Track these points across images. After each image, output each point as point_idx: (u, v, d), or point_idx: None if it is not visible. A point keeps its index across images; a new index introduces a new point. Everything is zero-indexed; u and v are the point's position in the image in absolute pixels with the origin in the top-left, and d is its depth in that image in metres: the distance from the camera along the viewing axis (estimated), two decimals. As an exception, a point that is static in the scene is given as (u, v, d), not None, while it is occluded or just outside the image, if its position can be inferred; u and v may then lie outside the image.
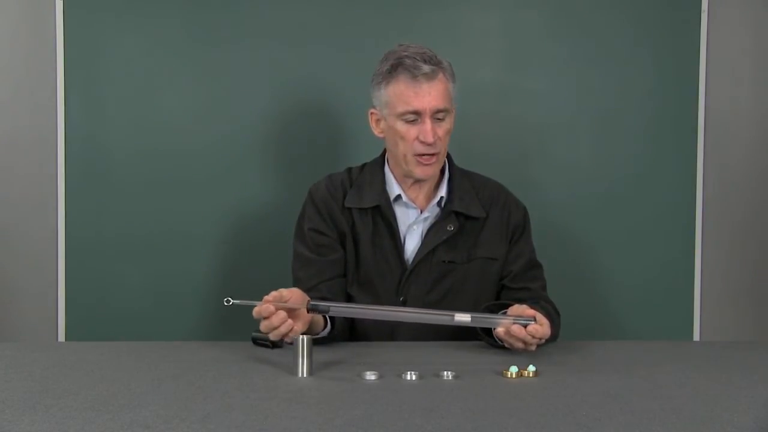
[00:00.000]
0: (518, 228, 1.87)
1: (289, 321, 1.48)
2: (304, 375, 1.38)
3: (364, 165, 1.89)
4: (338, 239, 1.81)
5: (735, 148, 2.50)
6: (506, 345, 1.58)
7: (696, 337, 2.46)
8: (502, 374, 1.39)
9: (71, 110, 2.35)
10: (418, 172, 1.77)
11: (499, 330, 1.56)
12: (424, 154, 1.75)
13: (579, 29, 2.42)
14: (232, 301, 1.46)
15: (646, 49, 2.42)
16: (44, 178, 2.37)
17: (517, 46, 2.41)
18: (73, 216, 2.36)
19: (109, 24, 2.35)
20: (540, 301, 1.77)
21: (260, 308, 1.47)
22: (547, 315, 1.64)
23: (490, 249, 1.83)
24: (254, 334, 1.64)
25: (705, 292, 2.47)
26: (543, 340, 1.56)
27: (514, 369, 1.39)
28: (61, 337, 2.36)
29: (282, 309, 1.47)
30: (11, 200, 2.40)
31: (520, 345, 1.55)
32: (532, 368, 1.40)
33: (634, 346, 1.79)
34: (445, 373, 1.38)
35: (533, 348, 1.56)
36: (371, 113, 1.82)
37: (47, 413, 1.12)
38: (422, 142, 1.73)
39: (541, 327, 1.53)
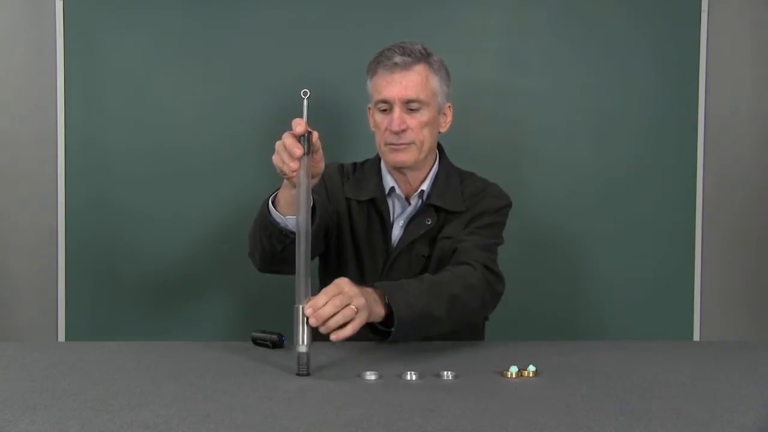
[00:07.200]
0: (486, 213, 1.79)
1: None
2: (304, 345, 1.35)
3: (366, 161, 1.92)
4: (326, 210, 1.79)
5: (735, 148, 2.50)
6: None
7: (696, 337, 2.46)
8: (502, 374, 1.39)
9: (71, 110, 2.35)
10: (391, 158, 1.79)
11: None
12: (393, 143, 1.76)
13: (579, 29, 2.42)
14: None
15: (646, 48, 2.43)
16: (44, 177, 2.37)
17: (517, 46, 2.41)
18: (73, 215, 2.36)
19: (109, 24, 2.35)
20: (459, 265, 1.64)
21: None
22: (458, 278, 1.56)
23: (450, 230, 1.77)
24: (254, 334, 1.64)
25: (705, 292, 2.47)
26: (349, 309, 1.36)
27: (514, 369, 1.38)
28: (61, 337, 2.36)
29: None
30: (11, 199, 2.40)
31: (339, 332, 1.37)
32: (532, 368, 1.39)
33: (634, 346, 1.79)
34: (445, 373, 1.37)
35: (350, 319, 1.36)
36: (368, 108, 1.85)
37: (47, 413, 1.12)
38: (391, 132, 1.74)
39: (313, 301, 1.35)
